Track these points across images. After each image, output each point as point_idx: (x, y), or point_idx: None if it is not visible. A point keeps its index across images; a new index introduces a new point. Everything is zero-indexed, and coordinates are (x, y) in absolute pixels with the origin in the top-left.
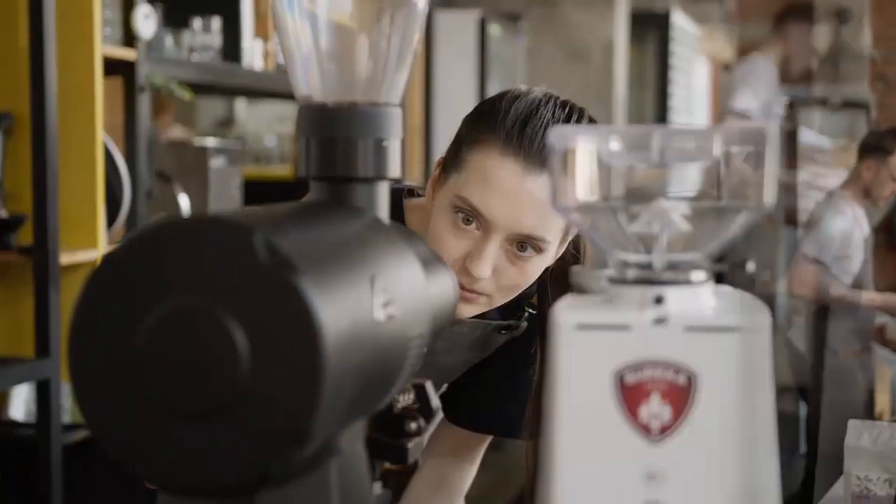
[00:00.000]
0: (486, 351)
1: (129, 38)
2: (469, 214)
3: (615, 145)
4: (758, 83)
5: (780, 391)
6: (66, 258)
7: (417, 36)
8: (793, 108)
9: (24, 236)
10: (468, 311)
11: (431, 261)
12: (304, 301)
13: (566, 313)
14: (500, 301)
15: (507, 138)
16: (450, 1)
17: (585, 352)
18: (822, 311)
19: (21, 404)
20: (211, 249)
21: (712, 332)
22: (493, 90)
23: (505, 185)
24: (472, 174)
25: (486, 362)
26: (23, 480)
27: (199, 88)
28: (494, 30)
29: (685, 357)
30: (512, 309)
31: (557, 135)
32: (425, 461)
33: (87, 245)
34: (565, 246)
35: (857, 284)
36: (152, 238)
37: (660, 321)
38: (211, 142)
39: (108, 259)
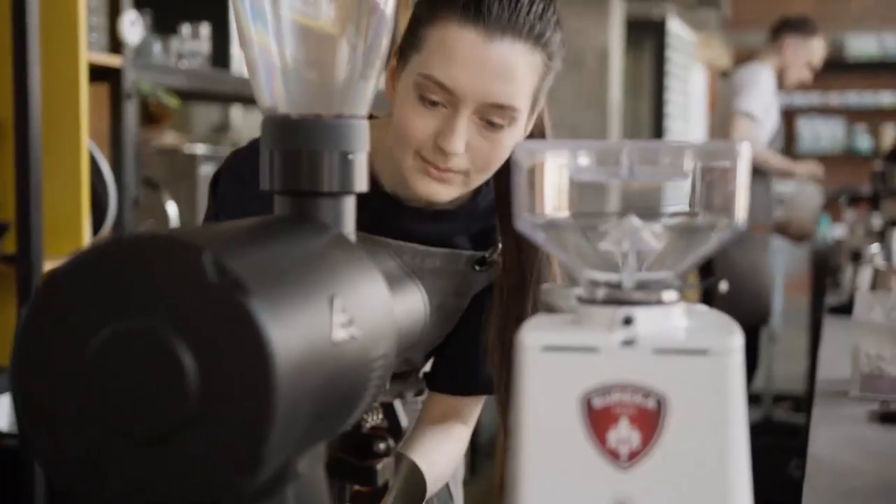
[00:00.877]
0: (463, 297)
1: (116, 45)
2: (434, 92)
3: (584, 161)
4: (758, 89)
5: (778, 399)
6: (50, 266)
7: (385, 44)
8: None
9: (8, 244)
10: (445, 192)
11: (399, 277)
12: (255, 323)
13: (532, 334)
14: (476, 181)
15: (465, 10)
16: None
17: (552, 374)
18: None
19: (5, 414)
20: (160, 269)
21: (682, 354)
22: None
23: (467, 55)
24: (432, 50)
25: (459, 326)
26: (6, 490)
27: (189, 95)
28: None
29: (654, 380)
30: (484, 243)
31: (523, 150)
32: (416, 429)
33: (72, 253)
34: (535, 118)
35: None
36: (100, 256)
37: (628, 343)
38: (201, 149)
39: (53, 277)
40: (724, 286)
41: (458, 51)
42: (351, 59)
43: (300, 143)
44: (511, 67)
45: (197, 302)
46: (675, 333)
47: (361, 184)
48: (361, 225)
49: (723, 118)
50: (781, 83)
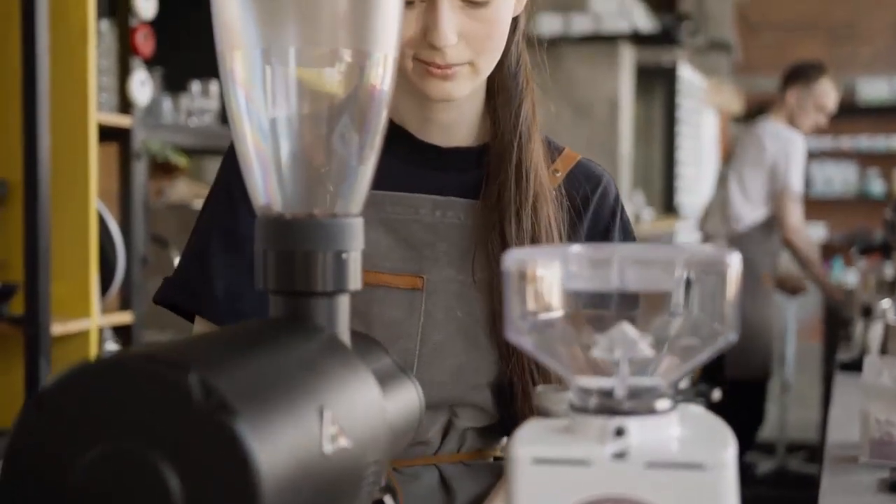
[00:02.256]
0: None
1: (126, 105)
2: None
3: (574, 268)
4: (801, 160)
5: (792, 449)
6: (58, 328)
7: (385, 116)
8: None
9: (16, 306)
10: (456, 88)
11: (393, 373)
12: (242, 446)
13: (524, 447)
14: (485, 67)
15: None
16: None
17: (543, 487)
18: (752, 235)
19: None
20: (146, 389)
21: (675, 468)
22: None
23: None
24: None
25: None
26: None
27: (199, 150)
28: None
29: (647, 494)
30: None
31: (513, 257)
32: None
33: (80, 314)
34: None
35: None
36: (86, 376)
37: (620, 456)
38: None
39: (40, 398)
40: (717, 395)
41: None
42: (346, 153)
43: (294, 243)
44: None
45: (183, 423)
46: (668, 445)
47: (356, 282)
48: (382, 174)
49: (773, 188)
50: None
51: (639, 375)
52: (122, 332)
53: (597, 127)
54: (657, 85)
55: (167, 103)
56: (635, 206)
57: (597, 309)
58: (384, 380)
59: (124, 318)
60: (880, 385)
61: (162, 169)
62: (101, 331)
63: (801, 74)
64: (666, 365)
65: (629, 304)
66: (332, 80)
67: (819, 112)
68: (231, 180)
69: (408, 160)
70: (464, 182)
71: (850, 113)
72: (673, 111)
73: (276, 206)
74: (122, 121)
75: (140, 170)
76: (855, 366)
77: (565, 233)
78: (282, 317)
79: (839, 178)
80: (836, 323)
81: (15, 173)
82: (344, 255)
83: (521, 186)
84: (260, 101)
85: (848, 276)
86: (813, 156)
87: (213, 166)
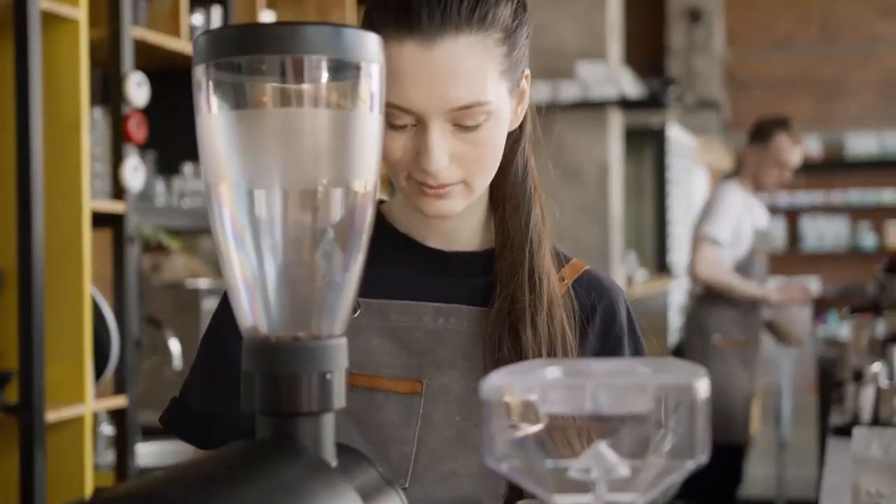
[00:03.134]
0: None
1: (119, 190)
2: (397, 117)
3: (549, 393)
4: (726, 212)
5: None
6: (52, 415)
7: (361, 260)
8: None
9: (10, 394)
10: (450, 206)
11: (378, 487)
12: None
13: None
14: (479, 185)
15: (396, 22)
16: None
17: None
18: (704, 297)
19: None
20: None
21: None
22: None
23: (411, 69)
24: None
25: None
26: None
27: (192, 230)
28: None
29: None
30: None
31: (489, 386)
32: None
33: (75, 400)
34: (523, 91)
35: (742, 272)
36: None
37: None
38: (204, 283)
39: None
40: None
41: (402, 68)
42: (330, 277)
43: (280, 366)
44: (461, 65)
45: None
46: None
47: (340, 401)
48: (389, 282)
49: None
50: (761, 188)
51: (616, 492)
52: (116, 416)
53: (587, 191)
54: (647, 146)
55: (160, 186)
56: (628, 267)
57: (573, 428)
58: (369, 494)
59: (119, 401)
60: (870, 457)
61: (157, 245)
62: (95, 415)
63: (758, 133)
64: (642, 482)
65: (605, 424)
66: (316, 207)
67: (781, 168)
68: (223, 308)
69: (414, 267)
70: (468, 288)
71: (840, 168)
72: (663, 171)
73: (262, 329)
74: (115, 207)
75: (133, 255)
76: (847, 430)
77: (576, 340)
78: (268, 437)
79: (831, 233)
80: (829, 382)
81: (9, 261)
82: (328, 376)
83: (535, 292)
84: (246, 229)
85: (842, 330)
86: (804, 210)
87: (206, 244)
